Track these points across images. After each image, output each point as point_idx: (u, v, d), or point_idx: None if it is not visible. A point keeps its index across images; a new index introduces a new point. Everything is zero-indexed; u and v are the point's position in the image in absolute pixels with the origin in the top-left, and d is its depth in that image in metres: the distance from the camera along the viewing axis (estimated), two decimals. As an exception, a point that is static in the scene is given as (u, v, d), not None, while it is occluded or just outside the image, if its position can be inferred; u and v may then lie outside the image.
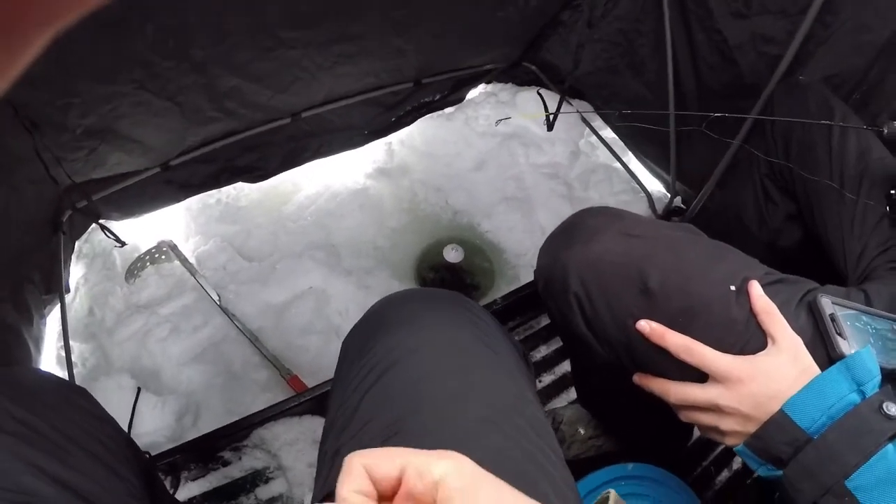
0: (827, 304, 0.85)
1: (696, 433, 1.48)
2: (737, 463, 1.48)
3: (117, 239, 1.68)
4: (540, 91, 1.76)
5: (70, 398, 0.87)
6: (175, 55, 1.38)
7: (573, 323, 0.98)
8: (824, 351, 0.84)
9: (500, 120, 1.83)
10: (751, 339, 0.85)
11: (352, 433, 0.77)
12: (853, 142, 1.13)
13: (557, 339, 1.70)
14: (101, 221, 1.73)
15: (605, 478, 1.28)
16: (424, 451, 0.50)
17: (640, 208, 1.93)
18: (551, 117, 1.56)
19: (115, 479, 0.82)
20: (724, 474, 1.47)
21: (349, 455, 0.50)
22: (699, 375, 0.86)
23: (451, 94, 2.06)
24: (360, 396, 0.79)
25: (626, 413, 1.32)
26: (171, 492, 1.47)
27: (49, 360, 1.64)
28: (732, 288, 0.86)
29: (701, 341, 0.85)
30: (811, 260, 1.26)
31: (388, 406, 0.76)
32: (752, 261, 0.94)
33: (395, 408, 0.75)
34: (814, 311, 0.87)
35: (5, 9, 0.13)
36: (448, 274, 1.94)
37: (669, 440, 1.41)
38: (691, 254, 0.92)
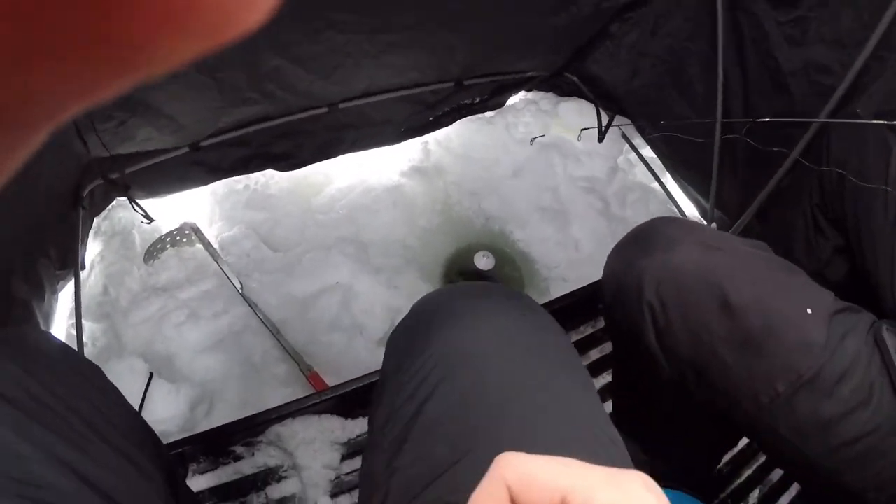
0: (892, 339, 0.85)
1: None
2: (753, 498, 1.43)
3: (146, 215, 1.62)
4: (597, 106, 1.72)
5: (88, 377, 0.77)
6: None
7: (642, 334, 0.96)
8: (889, 382, 0.84)
9: (535, 138, 1.78)
10: (826, 364, 0.83)
11: (413, 451, 0.68)
12: None
13: (587, 356, 1.63)
14: (129, 195, 1.67)
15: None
16: (595, 470, 0.37)
17: (678, 231, 1.87)
18: (596, 130, 1.54)
19: (139, 478, 0.71)
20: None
21: (498, 466, 0.38)
22: (754, 396, 0.86)
23: (492, 98, 2.02)
24: (416, 407, 0.71)
25: (665, 435, 1.27)
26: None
27: (59, 338, 1.54)
28: (809, 311, 0.85)
29: (775, 363, 0.84)
30: (855, 294, 1.22)
31: (454, 420, 0.68)
32: (815, 284, 0.93)
33: (464, 423, 0.67)
34: (879, 344, 0.86)
35: (10, 103, 0.12)
36: (477, 281, 1.87)
37: (700, 463, 1.36)
38: (768, 270, 0.91)
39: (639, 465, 1.31)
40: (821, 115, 1.38)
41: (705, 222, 1.83)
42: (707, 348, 0.89)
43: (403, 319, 0.88)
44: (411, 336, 0.82)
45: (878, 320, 0.90)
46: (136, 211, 1.57)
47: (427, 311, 0.85)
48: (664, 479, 1.32)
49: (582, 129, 1.55)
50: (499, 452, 0.63)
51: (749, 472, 1.45)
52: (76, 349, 1.48)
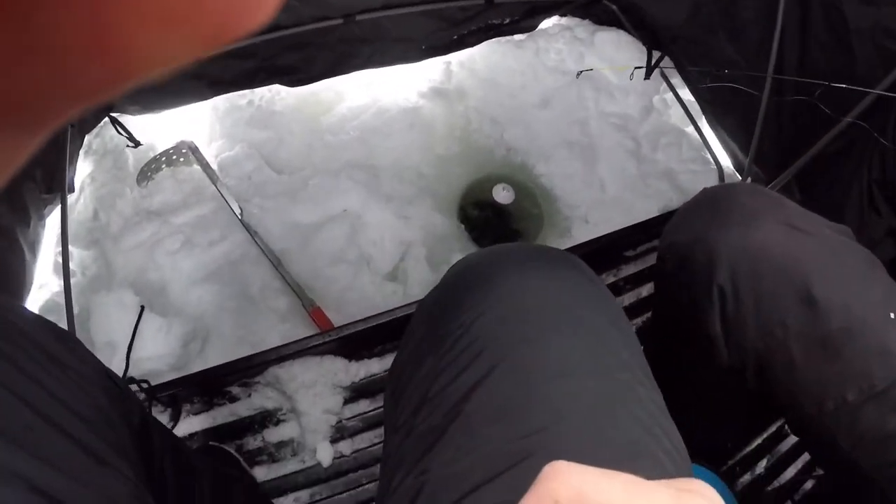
0: None
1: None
2: (760, 468, 1.37)
3: (131, 137, 1.50)
4: (647, 44, 1.57)
5: (55, 354, 0.65)
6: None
7: (706, 318, 0.88)
8: None
9: (582, 71, 1.63)
10: None
11: (460, 445, 0.59)
12: None
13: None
14: (113, 115, 1.53)
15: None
16: (654, 491, 0.32)
17: (709, 181, 1.75)
18: (643, 69, 1.40)
19: (97, 471, 0.60)
20: (747, 478, 1.36)
21: (547, 478, 0.32)
22: (819, 401, 0.80)
23: (524, 21, 1.86)
24: (464, 390, 0.61)
25: (700, 423, 1.19)
26: (171, 425, 1.31)
27: (45, 267, 1.46)
28: (893, 315, 0.79)
29: (849, 369, 0.78)
30: None
31: (513, 412, 0.59)
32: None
33: (522, 417, 0.58)
34: None
35: (13, 102, 0.12)
36: (494, 214, 1.76)
37: (723, 441, 1.35)
38: (854, 263, 0.83)
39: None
40: (881, 84, 1.25)
41: (739, 177, 1.71)
42: (778, 343, 0.82)
43: (440, 284, 0.78)
44: (452, 307, 0.71)
45: None
46: (119, 133, 1.44)
47: (472, 278, 0.74)
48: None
49: (635, 68, 1.40)
50: (566, 456, 0.51)
51: (759, 441, 1.39)
52: (63, 279, 1.36)
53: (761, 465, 1.37)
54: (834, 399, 0.79)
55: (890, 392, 0.76)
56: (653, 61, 1.48)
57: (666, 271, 0.97)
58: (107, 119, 1.62)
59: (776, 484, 1.35)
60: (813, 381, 0.80)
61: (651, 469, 0.57)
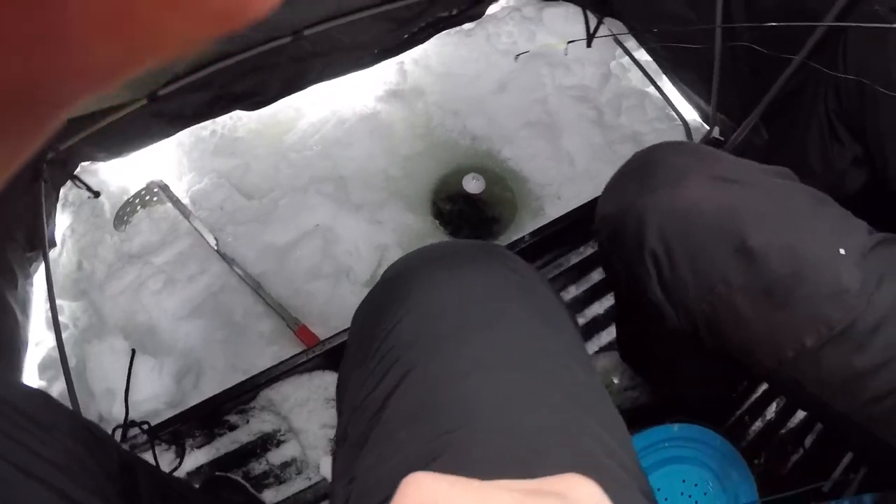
0: None
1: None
2: (770, 413, 1.38)
3: (89, 189, 1.53)
4: (584, 7, 1.56)
5: (35, 415, 0.71)
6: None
7: (645, 286, 0.85)
8: None
9: (520, 54, 1.63)
10: (861, 313, 0.73)
11: (379, 452, 0.61)
12: None
13: (587, 278, 1.56)
14: (83, 163, 1.57)
15: (650, 440, 1.20)
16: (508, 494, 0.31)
17: (676, 137, 1.74)
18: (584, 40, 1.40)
19: None
20: (758, 424, 1.37)
21: (404, 492, 0.31)
22: (776, 351, 0.78)
23: (471, 9, 1.84)
24: (381, 398, 0.63)
25: (680, 376, 1.20)
26: (177, 462, 1.36)
27: (39, 324, 1.51)
28: (842, 251, 0.75)
29: (802, 314, 0.75)
30: (874, 207, 1.11)
31: (425, 415, 0.60)
32: (849, 214, 0.82)
33: (435, 417, 0.59)
34: None
35: (19, 90, 0.13)
36: (466, 205, 1.77)
37: (715, 399, 1.33)
38: (794, 205, 0.79)
39: (644, 393, 1.26)
40: (830, 13, 1.23)
41: (707, 127, 1.71)
42: (722, 300, 0.78)
43: (371, 291, 0.80)
44: (374, 317, 0.73)
45: None
46: (78, 187, 1.48)
47: (390, 286, 0.76)
48: (672, 407, 1.29)
49: (568, 42, 1.41)
50: (476, 452, 0.54)
51: (765, 386, 1.40)
52: (54, 334, 1.41)
53: (771, 410, 1.38)
54: (792, 347, 0.77)
55: (850, 331, 0.73)
56: (591, 28, 1.47)
57: (602, 244, 0.95)
58: (79, 169, 1.66)
59: (789, 426, 1.36)
60: (766, 333, 0.78)
61: (572, 456, 0.57)
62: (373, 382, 0.65)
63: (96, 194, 1.58)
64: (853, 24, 1.09)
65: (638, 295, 0.89)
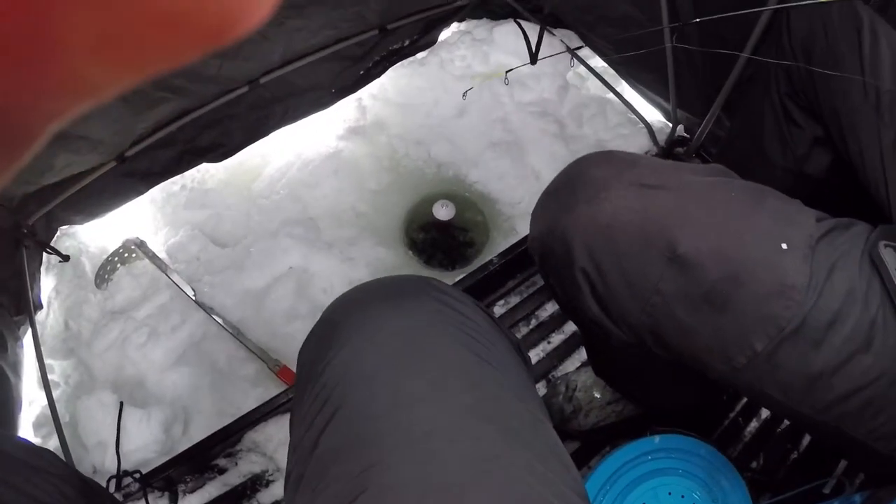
0: (891, 257, 0.71)
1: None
2: (765, 412, 1.36)
3: (59, 254, 1.57)
4: (518, 21, 1.58)
5: (34, 465, 0.79)
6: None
7: (582, 304, 0.83)
8: (893, 312, 0.70)
9: (467, 91, 1.65)
10: (811, 309, 0.69)
11: (313, 488, 0.62)
12: (886, 51, 0.92)
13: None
14: (52, 237, 1.65)
15: (631, 454, 1.17)
16: None
17: (641, 141, 1.77)
18: (531, 56, 1.41)
19: None
20: (753, 425, 1.35)
21: None
22: (727, 358, 0.74)
23: (422, 38, 1.88)
24: (314, 437, 0.64)
25: (652, 388, 1.19)
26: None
27: (31, 384, 1.55)
28: (784, 246, 0.71)
29: (748, 317, 0.71)
30: (842, 187, 1.08)
31: (349, 452, 0.61)
32: (796, 203, 0.78)
33: (358, 454, 0.60)
34: (877, 265, 0.72)
35: (10, 104, 0.13)
36: (439, 233, 1.80)
37: (694, 408, 1.28)
38: (727, 205, 0.76)
39: (629, 405, 1.23)
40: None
41: (671, 125, 1.71)
42: (661, 312, 0.76)
43: (310, 333, 0.81)
44: (313, 352, 0.74)
45: (873, 231, 0.76)
46: (48, 253, 1.53)
47: (324, 326, 0.77)
48: (658, 418, 1.27)
49: (507, 71, 1.43)
50: (396, 487, 0.57)
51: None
52: (45, 393, 1.45)
53: (766, 410, 1.36)
54: (742, 353, 0.73)
55: (802, 329, 0.70)
56: (539, 41, 1.48)
57: (537, 265, 0.92)
58: (59, 232, 1.71)
59: (785, 424, 1.34)
60: (714, 340, 0.75)
61: (497, 487, 0.57)
62: (309, 420, 0.66)
63: (66, 258, 1.63)
64: (793, 5, 1.07)
65: (578, 313, 0.87)
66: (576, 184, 0.82)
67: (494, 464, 0.59)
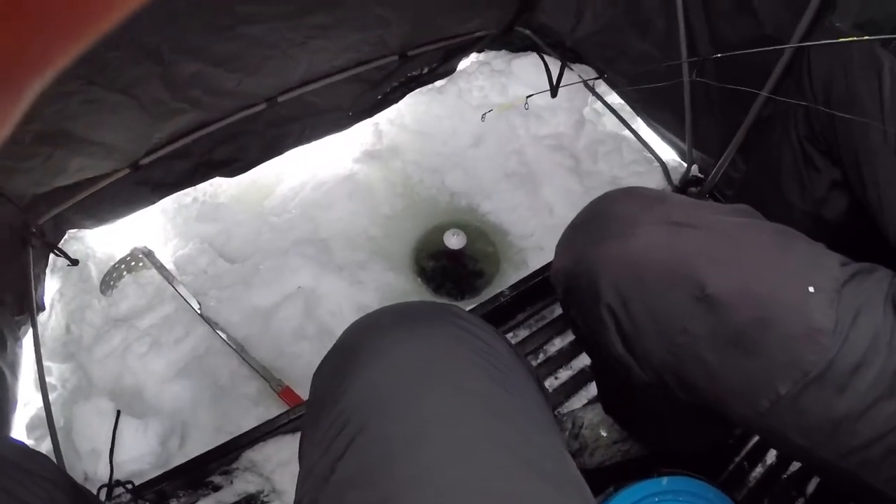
0: None
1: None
2: (770, 457, 1.33)
3: (68, 258, 1.56)
4: (542, 55, 1.60)
5: (29, 469, 0.77)
6: (121, 43, 1.24)
7: (606, 341, 0.81)
8: None
9: (486, 113, 1.66)
10: (837, 354, 0.68)
11: None
12: None
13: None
14: (60, 239, 1.63)
15: (639, 494, 1.14)
16: None
17: (655, 179, 1.76)
18: (550, 89, 1.42)
19: None
20: (759, 470, 1.33)
21: None
22: (751, 401, 0.73)
23: (441, 66, 1.89)
24: (330, 463, 0.62)
25: (667, 429, 1.16)
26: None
27: (28, 385, 1.52)
28: (811, 289, 0.70)
29: (774, 360, 0.70)
30: (859, 232, 1.07)
31: (366, 480, 0.59)
32: (820, 246, 0.77)
33: (379, 481, 0.58)
34: None
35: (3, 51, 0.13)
36: (449, 262, 1.79)
37: (707, 450, 1.27)
38: (755, 246, 0.75)
39: (635, 445, 1.21)
40: (795, 34, 1.23)
41: (686, 164, 1.71)
42: (687, 352, 0.75)
43: (328, 352, 0.79)
44: (330, 376, 0.73)
45: (895, 276, 0.75)
46: (57, 255, 1.52)
47: (343, 350, 0.75)
48: (665, 459, 1.24)
49: (527, 97, 1.43)
50: None
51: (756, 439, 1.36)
52: (42, 395, 1.43)
53: (771, 455, 1.33)
54: (766, 396, 0.72)
55: (827, 374, 0.69)
56: (560, 75, 1.49)
57: (560, 299, 0.91)
58: (67, 235, 1.70)
59: (791, 470, 1.32)
60: (738, 383, 0.73)
61: None
62: (325, 446, 0.64)
63: (75, 262, 1.61)
64: (812, 43, 1.07)
65: (600, 349, 0.85)
66: (604, 218, 0.82)
67: (516, 499, 0.58)
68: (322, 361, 0.79)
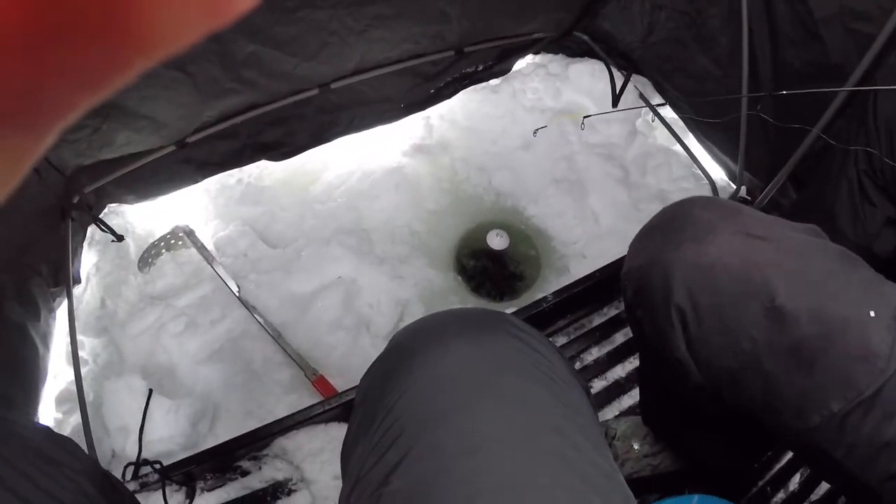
0: None
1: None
2: (793, 484, 1.32)
3: (113, 233, 1.56)
4: (609, 67, 1.58)
5: (51, 455, 0.73)
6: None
7: (670, 342, 0.82)
8: None
9: (538, 129, 1.64)
10: (891, 380, 0.68)
11: None
12: None
13: (610, 340, 1.53)
14: (112, 204, 1.61)
15: (670, 509, 1.12)
16: None
17: (703, 196, 1.73)
18: (612, 99, 1.41)
19: None
20: (780, 496, 1.31)
21: None
22: (802, 415, 0.73)
23: (497, 65, 1.88)
24: (384, 473, 0.61)
25: (702, 440, 1.15)
26: (186, 503, 1.35)
27: (59, 357, 1.52)
28: (872, 314, 0.71)
29: (830, 377, 0.71)
30: None
31: (427, 494, 0.57)
32: (880, 276, 0.78)
33: (438, 497, 0.57)
34: None
35: (30, 94, 0.13)
36: (490, 262, 1.77)
37: (739, 465, 1.25)
38: (823, 264, 0.76)
39: (665, 460, 1.21)
40: (855, 73, 1.22)
41: (734, 186, 1.69)
42: (748, 358, 0.75)
43: (379, 356, 0.78)
44: (380, 387, 0.70)
45: None
46: (102, 230, 1.51)
47: (396, 356, 0.74)
48: (693, 476, 1.23)
49: (585, 117, 1.41)
50: None
51: (789, 456, 1.34)
52: (73, 368, 1.42)
53: (794, 482, 1.32)
54: (817, 411, 0.73)
55: (879, 397, 0.69)
56: (624, 85, 1.48)
57: (627, 297, 0.91)
58: (107, 209, 1.69)
59: (812, 498, 1.30)
60: (792, 395, 0.74)
61: None
62: (377, 454, 0.63)
63: (120, 238, 1.61)
64: (870, 88, 1.07)
65: (662, 351, 0.86)
66: (684, 222, 0.82)
67: None
68: (374, 363, 0.77)
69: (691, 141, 1.83)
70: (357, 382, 1.34)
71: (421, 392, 0.65)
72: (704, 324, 0.78)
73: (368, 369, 0.78)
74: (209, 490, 1.37)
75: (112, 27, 0.12)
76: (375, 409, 0.68)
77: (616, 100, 1.38)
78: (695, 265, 0.77)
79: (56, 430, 0.82)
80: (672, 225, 0.83)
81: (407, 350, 0.72)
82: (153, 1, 0.12)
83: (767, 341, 0.74)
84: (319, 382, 1.49)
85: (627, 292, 0.90)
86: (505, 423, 0.61)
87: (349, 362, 1.53)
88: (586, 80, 1.91)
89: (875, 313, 0.71)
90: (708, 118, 1.67)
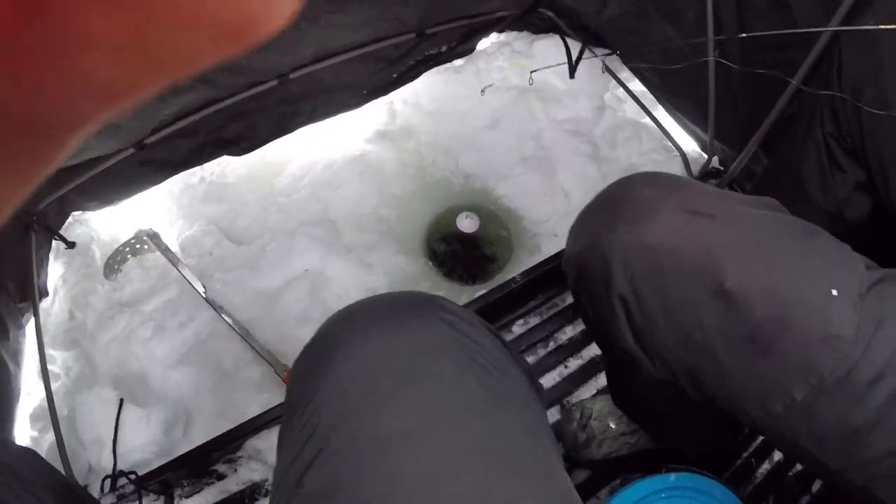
0: None
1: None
2: (778, 455, 1.31)
3: (64, 240, 1.53)
4: (563, 37, 1.54)
5: (18, 471, 0.74)
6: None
7: (616, 333, 0.78)
8: None
9: (486, 87, 1.60)
10: (857, 362, 0.64)
11: None
12: None
13: (585, 318, 1.51)
14: (63, 222, 1.61)
15: (645, 490, 1.11)
16: None
17: (674, 169, 1.71)
18: (568, 69, 1.37)
19: None
20: (765, 466, 1.30)
21: None
22: (764, 404, 0.70)
23: (460, 45, 1.83)
24: (298, 474, 0.58)
25: (673, 427, 1.13)
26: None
27: (31, 374, 1.50)
28: (834, 292, 0.66)
29: (790, 363, 0.67)
30: (881, 235, 1.06)
31: (343, 487, 0.55)
32: (846, 247, 0.73)
33: (354, 490, 0.55)
34: None
35: (29, 114, 0.13)
36: (461, 245, 1.75)
37: (716, 448, 1.24)
38: (778, 241, 0.71)
39: (643, 438, 1.19)
40: (823, 36, 1.18)
41: (706, 156, 1.66)
42: (701, 348, 0.71)
43: (306, 344, 0.74)
44: (302, 381, 0.67)
45: None
46: (56, 240, 1.49)
47: (324, 340, 0.70)
48: (672, 454, 1.21)
49: (531, 72, 1.37)
50: None
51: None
52: (44, 385, 1.40)
53: (779, 452, 1.31)
54: (779, 400, 0.69)
55: (845, 382, 0.66)
56: (580, 55, 1.44)
57: (571, 286, 0.86)
58: (71, 219, 1.66)
59: (797, 468, 1.29)
60: (752, 384, 0.70)
61: None
62: (294, 452, 0.61)
63: (71, 245, 1.59)
64: (843, 28, 1.04)
65: (609, 340, 0.82)
66: (621, 202, 0.77)
67: (501, 494, 0.54)
68: (303, 350, 0.73)
69: (661, 113, 1.80)
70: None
71: (335, 386, 0.62)
72: (648, 313, 0.74)
73: (297, 358, 0.74)
74: (187, 496, 1.37)
75: (124, 51, 0.12)
76: (297, 404, 0.65)
77: (573, 70, 1.35)
78: (634, 248, 0.73)
79: (32, 447, 0.83)
80: (611, 205, 0.78)
81: (331, 337, 0.69)
82: (164, 27, 0.12)
83: (719, 329, 0.70)
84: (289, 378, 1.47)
85: (569, 279, 0.86)
86: (422, 408, 0.59)
87: (319, 356, 1.51)
88: (551, 55, 1.86)
89: (837, 292, 0.67)
90: (673, 86, 1.64)
